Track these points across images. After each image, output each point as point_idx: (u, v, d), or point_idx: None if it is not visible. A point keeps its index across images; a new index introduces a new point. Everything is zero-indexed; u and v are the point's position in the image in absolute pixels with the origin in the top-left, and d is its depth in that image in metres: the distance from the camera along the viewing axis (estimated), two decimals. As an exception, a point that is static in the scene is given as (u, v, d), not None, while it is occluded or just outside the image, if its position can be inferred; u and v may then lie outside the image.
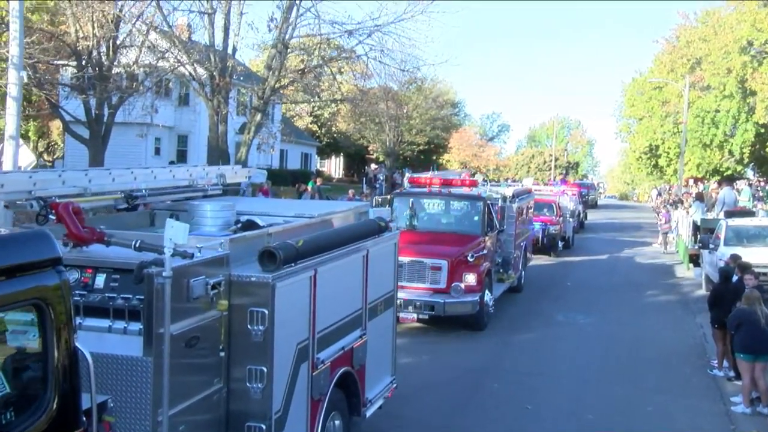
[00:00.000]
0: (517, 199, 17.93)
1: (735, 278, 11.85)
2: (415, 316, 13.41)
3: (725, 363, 11.98)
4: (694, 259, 21.96)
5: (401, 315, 12.81)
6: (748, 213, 19.90)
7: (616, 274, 23.38)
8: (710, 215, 22.27)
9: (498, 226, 15.62)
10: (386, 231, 8.02)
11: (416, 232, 15.08)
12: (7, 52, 11.79)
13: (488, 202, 15.52)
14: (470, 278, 13.71)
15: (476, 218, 15.26)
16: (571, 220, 29.23)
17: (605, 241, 32.13)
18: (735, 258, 12.87)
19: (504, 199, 17.00)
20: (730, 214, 19.23)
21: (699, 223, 21.18)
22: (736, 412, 10.29)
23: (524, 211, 19.46)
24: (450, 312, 13.50)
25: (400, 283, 13.09)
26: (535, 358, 12.99)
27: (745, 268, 11.74)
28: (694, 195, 31.11)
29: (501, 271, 16.51)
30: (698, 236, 21.06)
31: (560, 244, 26.91)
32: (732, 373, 11.66)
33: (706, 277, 19.13)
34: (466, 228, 15.23)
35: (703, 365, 12.70)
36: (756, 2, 41.26)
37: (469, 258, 13.95)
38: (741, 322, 10.22)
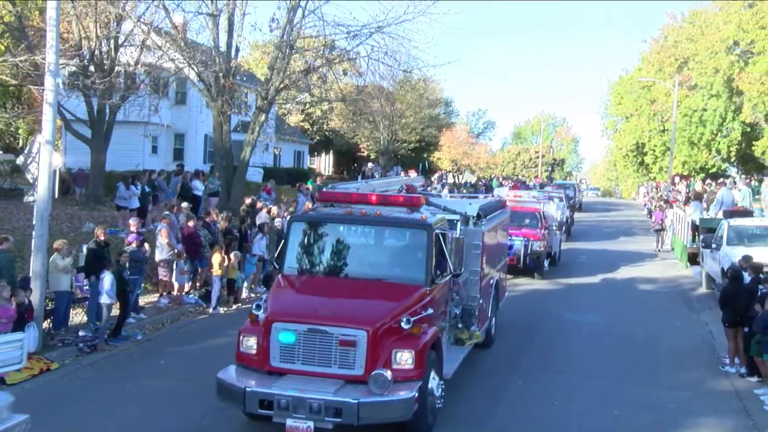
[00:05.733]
0: (484, 220, 12.59)
1: (748, 279, 12.33)
2: (309, 425, 8.23)
3: (737, 359, 12.49)
4: (692, 258, 22.59)
5: (288, 424, 8.27)
6: (747, 213, 20.51)
7: (617, 275, 23.61)
8: (707, 215, 22.86)
9: (453, 267, 10.32)
10: None
11: (321, 278, 10.14)
12: (43, 59, 12.00)
13: (437, 230, 10.22)
14: (404, 358, 8.64)
15: (419, 256, 9.90)
16: (558, 232, 24.67)
17: (597, 252, 28.20)
18: (747, 259, 13.34)
19: (466, 220, 11.95)
20: (729, 214, 19.83)
21: (698, 223, 21.79)
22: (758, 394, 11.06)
23: (496, 236, 14.01)
24: (368, 419, 8.28)
25: (289, 367, 8.72)
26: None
27: (758, 269, 12.22)
28: (684, 194, 31.70)
29: (460, 326, 11.47)
30: (696, 235, 21.69)
31: (546, 262, 22.46)
32: (744, 370, 12.18)
33: (707, 275, 19.77)
34: (402, 272, 9.95)
35: (715, 362, 13.19)
36: (741, 3, 42.20)
37: (403, 324, 8.84)
38: None
